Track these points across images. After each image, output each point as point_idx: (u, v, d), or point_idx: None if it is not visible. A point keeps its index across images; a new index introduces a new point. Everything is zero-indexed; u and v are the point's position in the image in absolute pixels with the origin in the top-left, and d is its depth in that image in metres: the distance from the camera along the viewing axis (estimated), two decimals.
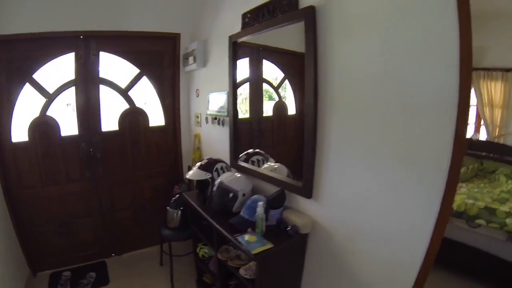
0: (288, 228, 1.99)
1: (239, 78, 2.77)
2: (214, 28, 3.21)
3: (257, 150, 2.69)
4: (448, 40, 1.23)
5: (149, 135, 3.79)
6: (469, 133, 5.37)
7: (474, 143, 5.13)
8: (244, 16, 2.54)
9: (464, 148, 1.27)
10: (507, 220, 2.88)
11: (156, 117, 3.87)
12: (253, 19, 2.42)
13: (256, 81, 2.70)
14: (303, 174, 2.02)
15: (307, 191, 2.01)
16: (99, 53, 3.38)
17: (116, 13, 3.27)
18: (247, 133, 2.87)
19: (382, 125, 1.55)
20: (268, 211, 2.09)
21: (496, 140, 5.00)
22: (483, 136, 5.23)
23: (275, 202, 2.15)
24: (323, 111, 1.86)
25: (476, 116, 5.32)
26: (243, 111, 2.83)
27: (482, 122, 5.18)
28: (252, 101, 2.78)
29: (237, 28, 2.64)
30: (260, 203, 2.00)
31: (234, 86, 2.77)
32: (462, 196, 3.38)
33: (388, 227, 1.58)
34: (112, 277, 3.34)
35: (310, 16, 1.84)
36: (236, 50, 2.70)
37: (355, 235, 1.78)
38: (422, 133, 1.38)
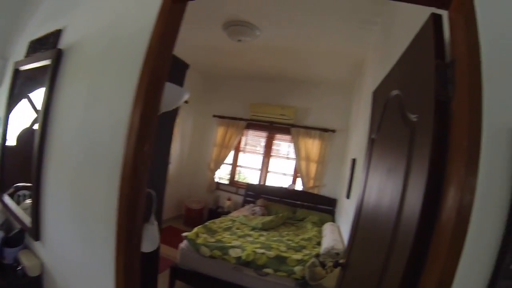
0: (19, 269, 2.00)
1: None
2: (15, 48, 3.05)
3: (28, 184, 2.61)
4: (123, 113, 1.38)
5: None
6: (287, 183, 6.20)
7: (290, 192, 5.94)
8: (29, 44, 2.54)
9: (125, 210, 1.31)
10: (296, 268, 3.08)
11: None
12: (32, 49, 2.46)
13: None
14: (32, 216, 2.06)
15: (35, 233, 2.04)
16: None
17: None
18: None
19: (75, 178, 1.68)
20: (3, 249, 2.08)
21: (310, 191, 5.81)
22: (299, 186, 6.04)
23: (13, 241, 2.16)
24: (48, 153, 1.95)
25: (294, 169, 6.18)
26: None
27: (299, 174, 6.00)
28: None
29: (23, 55, 2.61)
30: None
31: (7, 113, 2.70)
32: (255, 246, 3.55)
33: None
34: None
35: (55, 58, 1.97)
36: (17, 78, 2.64)
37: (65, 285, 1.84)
38: (99, 191, 1.51)
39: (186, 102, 5.74)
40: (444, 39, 1.03)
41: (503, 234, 0.83)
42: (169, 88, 1.61)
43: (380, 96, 1.82)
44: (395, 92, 1.43)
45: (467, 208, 0.81)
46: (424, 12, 1.13)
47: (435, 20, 1.06)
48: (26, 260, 2.04)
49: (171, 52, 1.44)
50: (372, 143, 1.84)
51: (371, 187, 1.65)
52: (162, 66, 1.37)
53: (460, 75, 0.90)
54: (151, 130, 1.34)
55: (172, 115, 2.42)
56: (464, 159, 0.82)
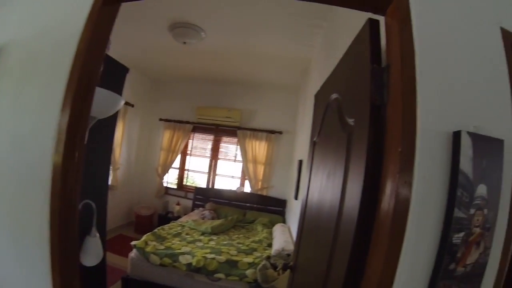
0: None
1: None
2: None
3: None
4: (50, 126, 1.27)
5: None
6: (236, 186, 6.12)
7: (239, 195, 5.87)
8: None
9: (57, 225, 1.23)
10: (248, 272, 3.06)
11: None
12: None
13: None
14: None
15: None
16: None
17: None
18: None
19: (9, 195, 1.49)
20: None
21: (259, 192, 5.79)
22: (248, 188, 5.98)
23: None
24: None
25: (242, 171, 6.11)
26: None
27: (247, 176, 5.94)
28: None
29: None
30: None
31: None
32: (205, 251, 3.48)
33: None
34: None
35: None
36: None
37: None
38: (32, 208, 1.36)
39: (132, 105, 5.55)
40: (381, 44, 1.03)
41: (440, 235, 0.84)
42: (103, 94, 1.51)
43: (321, 99, 1.82)
44: (334, 96, 1.43)
45: (403, 211, 0.81)
46: (364, 17, 1.13)
47: (372, 25, 1.06)
48: None
49: (102, 55, 1.35)
50: (314, 146, 1.84)
51: (314, 189, 1.65)
52: (92, 70, 1.27)
53: (394, 79, 0.90)
54: (80, 138, 1.23)
55: (110, 121, 2.29)
56: (398, 164, 0.82)
